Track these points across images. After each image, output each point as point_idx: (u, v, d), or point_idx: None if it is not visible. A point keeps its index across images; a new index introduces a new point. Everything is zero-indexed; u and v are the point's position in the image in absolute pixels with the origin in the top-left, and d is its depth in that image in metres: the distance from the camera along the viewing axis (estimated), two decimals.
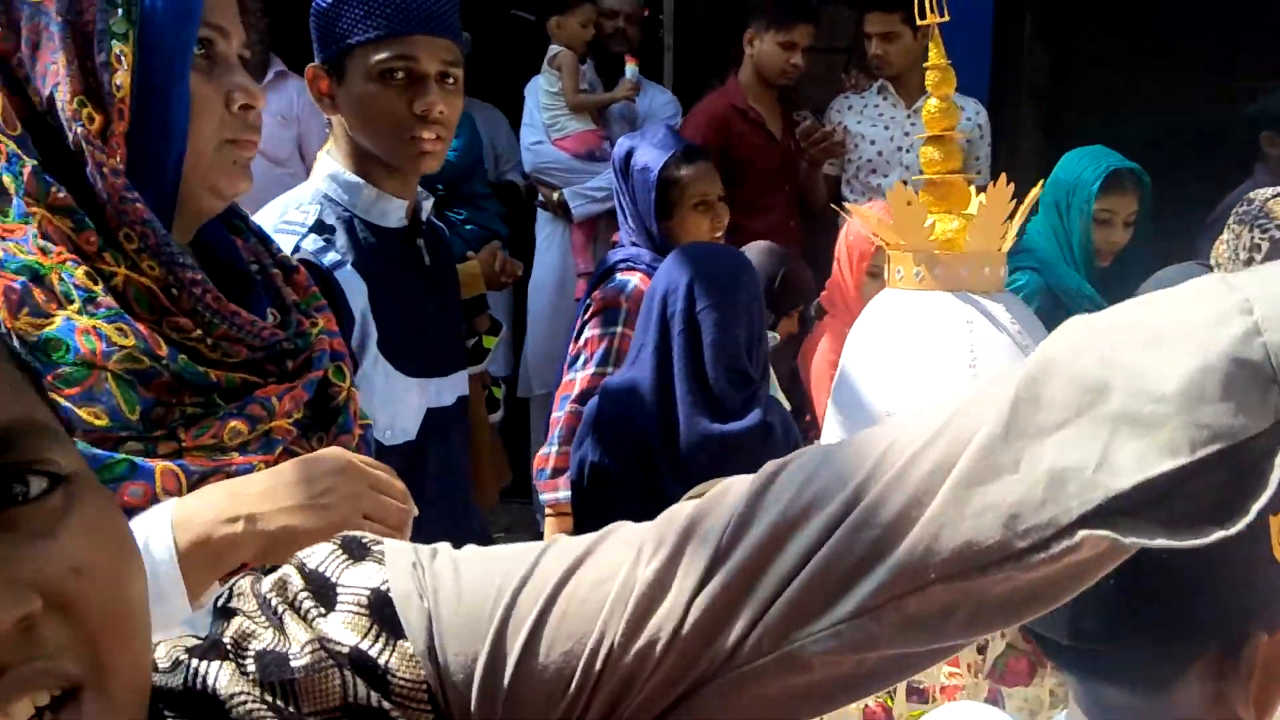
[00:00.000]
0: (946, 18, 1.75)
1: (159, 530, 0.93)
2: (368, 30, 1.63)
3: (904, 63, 3.52)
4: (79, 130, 0.98)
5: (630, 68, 3.93)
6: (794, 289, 2.77)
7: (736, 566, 0.56)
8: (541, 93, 3.96)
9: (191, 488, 0.97)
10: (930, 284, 1.66)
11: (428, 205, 1.83)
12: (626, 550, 0.58)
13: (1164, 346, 0.51)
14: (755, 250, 2.74)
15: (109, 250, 0.99)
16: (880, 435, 0.57)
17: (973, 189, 1.77)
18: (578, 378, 2.37)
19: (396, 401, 1.66)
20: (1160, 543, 0.49)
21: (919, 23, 1.77)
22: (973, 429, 0.54)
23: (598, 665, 0.56)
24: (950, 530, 0.53)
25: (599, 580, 0.57)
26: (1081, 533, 0.50)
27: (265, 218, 1.70)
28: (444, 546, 0.61)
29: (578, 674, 0.56)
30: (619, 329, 2.36)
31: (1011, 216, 1.70)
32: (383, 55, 1.62)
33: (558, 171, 3.90)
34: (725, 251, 2.30)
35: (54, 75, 0.99)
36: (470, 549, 0.62)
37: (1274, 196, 2.35)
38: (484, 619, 0.57)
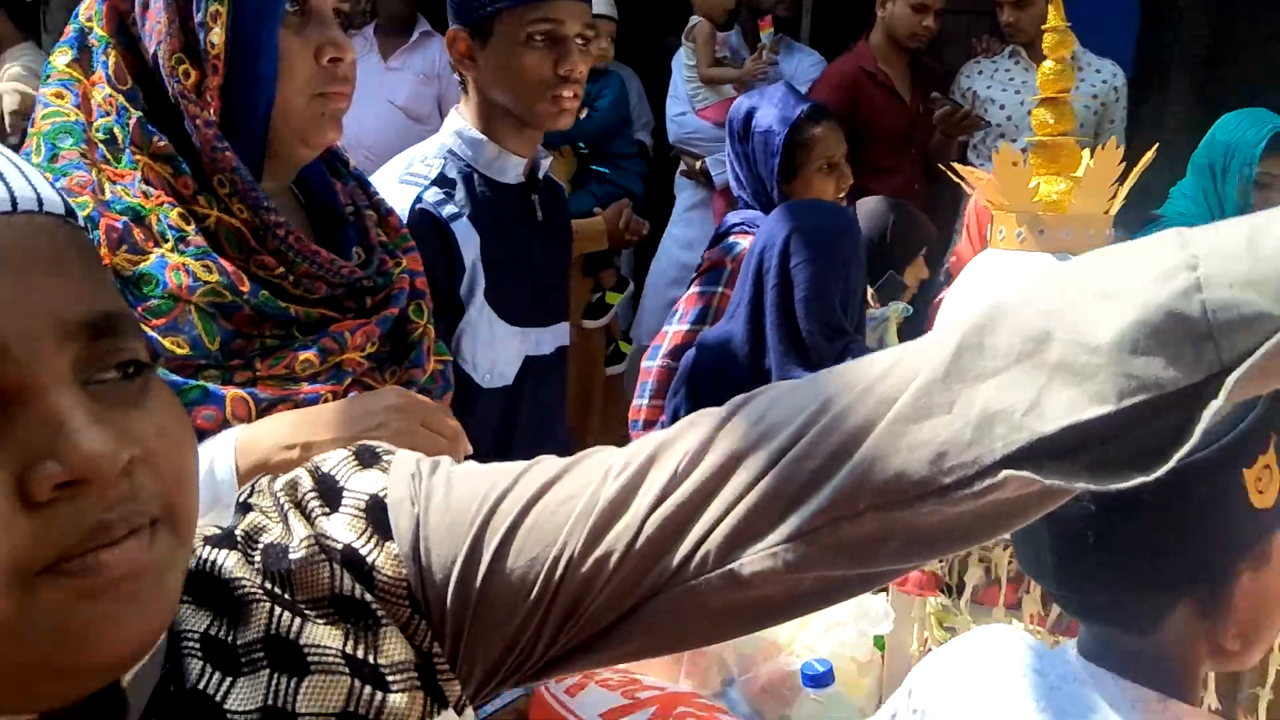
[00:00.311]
0: None
1: (223, 453, 1.02)
2: None
3: (1036, 28, 3.41)
4: (175, 86, 1.07)
5: (765, 33, 3.92)
6: (908, 235, 2.72)
7: (690, 489, 0.61)
8: (683, 65, 3.99)
9: (261, 413, 1.05)
10: (1031, 245, 1.65)
11: (546, 163, 1.90)
12: (598, 470, 0.64)
13: (1108, 299, 0.53)
14: (868, 204, 2.72)
15: (203, 194, 1.08)
16: (838, 372, 0.61)
17: (1085, 152, 1.75)
18: (671, 331, 2.40)
19: (498, 347, 1.74)
20: (1081, 485, 0.52)
21: None
22: (918, 370, 0.57)
23: (559, 572, 0.62)
24: (882, 464, 0.56)
25: (569, 495, 0.63)
26: (1004, 472, 0.53)
27: (392, 169, 1.81)
28: (446, 460, 0.67)
29: (540, 578, 0.62)
30: (720, 289, 2.37)
31: (1123, 179, 1.68)
32: (532, 19, 1.70)
33: (701, 141, 3.93)
34: (826, 208, 2.28)
35: (158, 33, 1.08)
36: (470, 464, 0.68)
37: None
38: (465, 525, 0.63)
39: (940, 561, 1.35)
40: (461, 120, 1.83)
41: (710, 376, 2.14)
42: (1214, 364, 0.51)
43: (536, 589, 0.62)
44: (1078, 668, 0.97)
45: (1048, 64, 1.75)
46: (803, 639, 1.32)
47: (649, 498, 0.62)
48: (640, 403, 2.40)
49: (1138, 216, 2.73)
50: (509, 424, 1.75)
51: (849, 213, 2.37)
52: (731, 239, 2.49)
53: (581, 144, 3.60)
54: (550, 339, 1.84)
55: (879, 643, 1.41)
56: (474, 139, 1.80)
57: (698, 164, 3.90)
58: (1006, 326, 0.55)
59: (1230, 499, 0.87)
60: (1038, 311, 0.55)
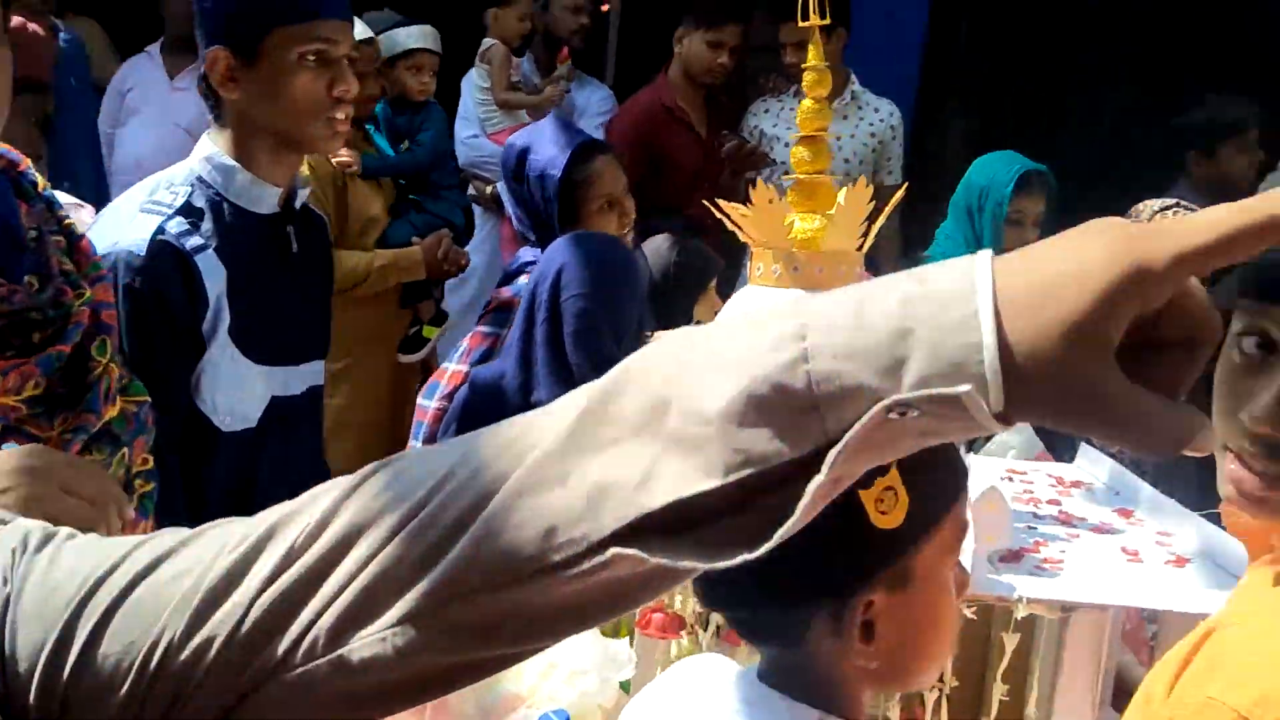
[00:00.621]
0: (827, 20, 1.76)
1: None
2: (288, 15, 1.64)
3: None
4: None
5: (563, 65, 3.93)
6: (692, 271, 2.70)
7: (304, 568, 0.55)
8: (475, 87, 3.95)
9: None
10: (787, 281, 1.67)
11: (304, 193, 1.83)
12: (217, 543, 0.57)
13: (725, 368, 0.50)
14: (653, 243, 2.72)
15: None
16: (472, 437, 0.57)
17: (843, 190, 1.79)
18: (450, 370, 2.32)
19: (240, 388, 1.66)
20: (686, 564, 0.50)
21: (799, 24, 1.78)
22: (542, 438, 0.53)
23: (154, 661, 0.55)
24: (493, 539, 0.52)
25: (181, 572, 0.56)
26: (612, 550, 0.50)
27: (135, 195, 1.72)
28: (65, 532, 0.60)
29: (135, 668, 0.55)
30: (504, 330, 2.33)
31: (874, 218, 1.72)
32: (305, 38, 1.64)
33: (493, 166, 3.87)
34: (602, 240, 2.25)
35: None
36: (92, 536, 0.60)
37: (1161, 209, 2.39)
38: (62, 605, 0.55)
39: (683, 600, 1.33)
40: (213, 146, 1.75)
41: (482, 415, 2.08)
42: (819, 437, 0.49)
43: (130, 679, 0.55)
44: (755, 689, 0.97)
45: (806, 102, 1.78)
46: (545, 689, 1.28)
47: (259, 577, 0.55)
48: (415, 445, 2.32)
49: (911, 257, 2.85)
50: (251, 471, 1.66)
51: (624, 245, 2.35)
52: (522, 279, 2.43)
53: (401, 179, 3.51)
54: (300, 379, 1.76)
55: (625, 688, 1.38)
56: (225, 166, 1.72)
57: (488, 189, 3.85)
58: (630, 393, 0.52)
59: (847, 517, 0.86)
60: (662, 377, 0.52)
